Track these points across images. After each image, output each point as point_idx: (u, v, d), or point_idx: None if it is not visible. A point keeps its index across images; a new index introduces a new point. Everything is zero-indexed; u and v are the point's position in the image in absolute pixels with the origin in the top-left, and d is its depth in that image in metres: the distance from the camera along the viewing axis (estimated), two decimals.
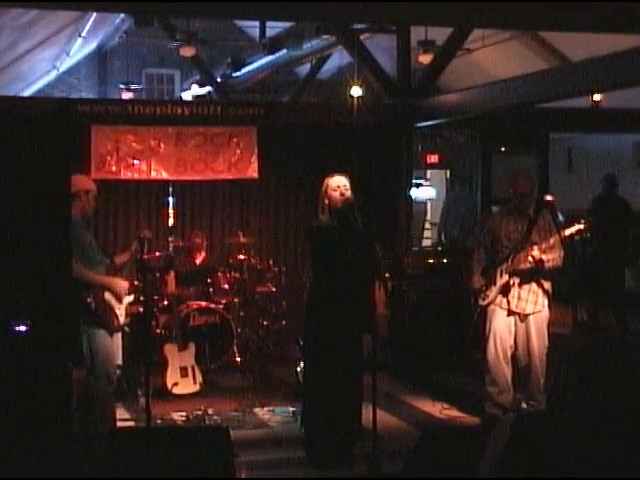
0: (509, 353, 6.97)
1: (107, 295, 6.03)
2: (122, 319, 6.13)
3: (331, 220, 6.02)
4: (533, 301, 6.91)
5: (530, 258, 6.73)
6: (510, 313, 6.94)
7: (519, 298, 6.91)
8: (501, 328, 6.95)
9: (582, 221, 6.75)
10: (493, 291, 6.94)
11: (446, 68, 10.23)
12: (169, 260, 8.85)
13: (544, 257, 6.72)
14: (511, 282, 6.88)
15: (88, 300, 5.88)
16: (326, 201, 6.05)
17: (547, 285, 6.96)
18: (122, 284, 6.15)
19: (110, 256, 6.51)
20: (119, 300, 6.13)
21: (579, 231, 6.72)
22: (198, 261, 9.57)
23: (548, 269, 6.80)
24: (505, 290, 6.91)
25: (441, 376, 8.69)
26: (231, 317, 9.07)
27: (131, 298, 6.39)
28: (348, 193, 6.02)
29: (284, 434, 6.78)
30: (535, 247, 6.74)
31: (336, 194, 6.01)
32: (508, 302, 6.92)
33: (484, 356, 7.03)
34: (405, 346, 9.22)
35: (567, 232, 6.73)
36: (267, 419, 7.34)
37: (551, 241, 6.72)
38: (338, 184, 6.04)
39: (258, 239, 9.89)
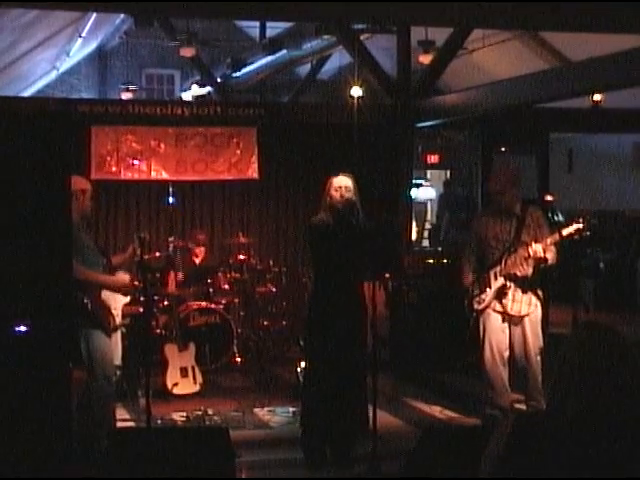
0: (505, 355, 6.90)
1: (103, 295, 6.01)
2: (119, 319, 6.12)
3: (329, 219, 6.03)
4: (527, 302, 6.83)
5: (531, 253, 6.66)
6: (505, 316, 6.90)
7: (514, 300, 6.83)
8: (496, 331, 6.86)
9: (581, 220, 6.67)
10: (489, 295, 6.88)
11: (446, 68, 10.23)
12: (169, 261, 8.85)
13: (548, 256, 6.68)
14: (508, 285, 6.82)
15: (84, 301, 5.87)
16: (328, 200, 6.06)
17: (538, 285, 6.93)
18: (123, 279, 6.14)
19: (108, 257, 6.50)
20: (125, 294, 6.12)
21: (578, 230, 6.64)
22: (199, 260, 9.55)
23: (547, 268, 6.78)
24: (501, 294, 6.86)
25: (441, 376, 8.69)
26: (231, 317, 9.07)
27: (128, 299, 6.38)
28: (348, 195, 6.01)
29: (284, 434, 6.78)
30: (539, 245, 6.67)
31: (337, 195, 6.02)
32: (503, 305, 6.86)
33: (481, 360, 6.99)
34: (405, 346, 9.22)
35: (565, 232, 6.66)
36: (267, 419, 7.34)
37: (549, 240, 6.67)
38: (340, 185, 6.04)
39: (258, 239, 9.89)
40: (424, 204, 14.75)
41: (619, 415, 2.50)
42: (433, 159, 13.36)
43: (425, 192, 14.45)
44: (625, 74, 6.99)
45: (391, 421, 7.24)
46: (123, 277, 6.16)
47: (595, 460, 2.46)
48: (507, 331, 6.87)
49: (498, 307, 6.84)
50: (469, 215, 12.80)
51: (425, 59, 10.85)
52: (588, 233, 6.65)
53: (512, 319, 6.86)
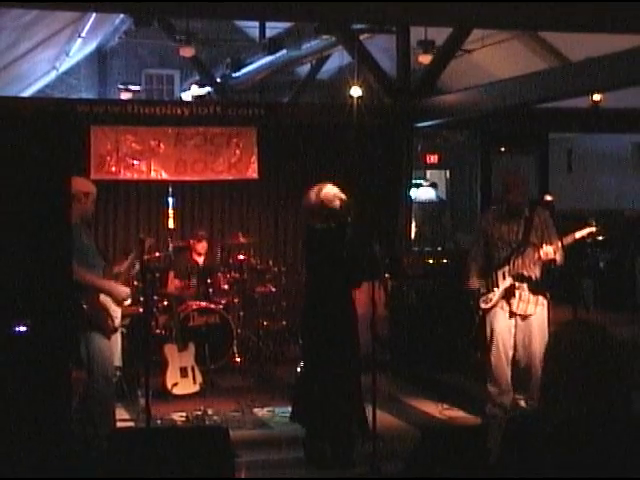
0: (510, 354, 6.97)
1: (102, 297, 5.99)
2: (118, 321, 6.10)
3: (331, 226, 6.04)
4: (534, 301, 6.90)
5: (542, 255, 6.70)
6: (511, 314, 6.93)
7: (520, 299, 6.89)
8: (502, 330, 6.94)
9: (593, 223, 6.69)
10: (496, 294, 6.92)
11: (446, 68, 10.22)
12: (170, 261, 8.85)
13: (557, 257, 6.71)
14: (516, 285, 6.86)
15: (83, 304, 5.85)
16: (324, 208, 6.05)
17: (545, 286, 6.97)
18: (123, 290, 6.12)
19: (109, 261, 6.48)
20: (118, 305, 6.11)
21: (590, 234, 6.67)
22: (202, 259, 9.52)
23: (555, 269, 6.83)
24: (508, 294, 6.89)
25: (441, 376, 8.69)
26: (231, 317, 9.07)
27: (128, 301, 6.37)
28: (343, 197, 6.07)
29: (284, 434, 6.78)
30: (550, 247, 6.71)
31: (336, 204, 6.04)
32: (510, 304, 6.91)
33: (487, 357, 7.03)
34: (405, 346, 9.23)
35: (577, 235, 6.70)
36: (267, 419, 7.34)
37: (559, 244, 6.70)
38: (335, 194, 6.07)
39: (258, 239, 9.89)
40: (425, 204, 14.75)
41: (610, 414, 2.50)
42: (433, 159, 13.34)
43: (425, 192, 14.43)
44: (625, 74, 6.99)
45: (391, 421, 7.25)
46: (124, 289, 6.13)
47: (586, 460, 2.47)
48: (513, 330, 6.92)
49: (505, 306, 6.91)
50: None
51: (425, 59, 10.85)
52: (600, 238, 6.67)
53: (517, 317, 6.91)
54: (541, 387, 2.62)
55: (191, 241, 9.53)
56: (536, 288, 6.89)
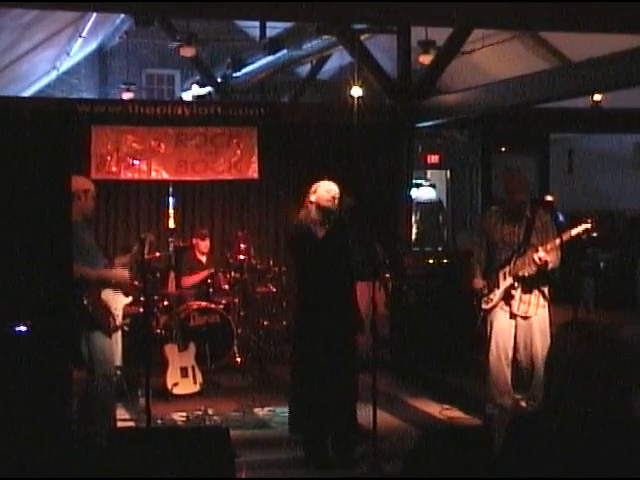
0: (510, 355, 6.97)
1: (104, 296, 6.00)
2: (119, 319, 6.11)
3: (324, 224, 6.03)
4: (535, 303, 6.90)
5: (537, 260, 6.71)
6: (512, 315, 6.93)
7: (521, 300, 6.89)
8: (503, 330, 6.94)
9: (589, 220, 6.69)
10: (497, 294, 6.93)
11: (446, 68, 10.22)
12: (169, 261, 8.86)
13: (548, 258, 6.71)
14: (516, 286, 6.86)
15: (84, 302, 5.86)
16: (320, 207, 6.04)
17: (545, 286, 6.96)
18: (123, 274, 6.12)
19: (110, 258, 6.49)
20: (125, 294, 6.11)
21: (586, 231, 6.67)
22: (204, 256, 9.53)
23: (550, 270, 6.82)
24: (508, 294, 6.89)
25: (441, 376, 8.69)
26: (231, 317, 9.08)
27: (129, 300, 6.37)
28: (336, 202, 6.06)
29: (284, 434, 6.77)
30: (540, 249, 6.72)
31: (330, 204, 6.04)
32: (510, 305, 6.91)
33: (486, 358, 7.02)
34: (405, 346, 9.23)
35: (573, 232, 6.70)
36: (267, 419, 7.34)
37: (557, 242, 6.70)
38: (333, 195, 6.06)
39: (258, 239, 9.89)
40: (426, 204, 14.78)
41: (612, 415, 2.50)
42: (433, 159, 13.34)
43: (426, 192, 14.43)
44: (625, 74, 6.99)
45: (391, 421, 7.25)
46: (122, 272, 6.14)
47: (588, 461, 2.46)
48: (513, 331, 6.92)
49: (506, 307, 6.91)
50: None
51: (425, 59, 10.84)
52: (595, 234, 6.67)
53: (518, 318, 6.90)
54: (544, 389, 2.62)
55: (194, 240, 9.56)
56: (536, 289, 6.89)
